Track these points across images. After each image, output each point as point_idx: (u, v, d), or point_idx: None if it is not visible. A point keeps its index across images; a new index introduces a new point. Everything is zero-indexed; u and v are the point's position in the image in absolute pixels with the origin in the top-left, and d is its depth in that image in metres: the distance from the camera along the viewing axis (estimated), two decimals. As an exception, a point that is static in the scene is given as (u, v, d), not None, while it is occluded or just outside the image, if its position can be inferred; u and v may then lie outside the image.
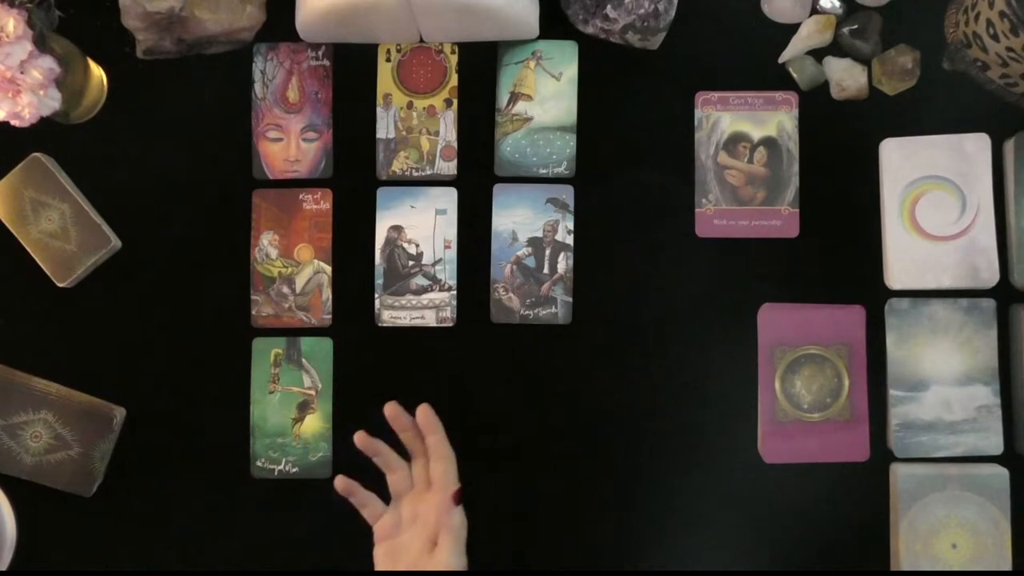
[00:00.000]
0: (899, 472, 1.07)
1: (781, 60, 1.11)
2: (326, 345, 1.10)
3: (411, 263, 1.11)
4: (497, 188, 1.11)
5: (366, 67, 1.12)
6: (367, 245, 1.11)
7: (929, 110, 1.10)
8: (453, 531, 0.98)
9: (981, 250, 1.08)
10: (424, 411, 1.02)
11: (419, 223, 1.11)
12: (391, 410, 1.02)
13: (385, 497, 1.03)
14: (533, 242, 1.11)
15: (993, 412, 1.07)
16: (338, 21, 1.06)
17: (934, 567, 1.05)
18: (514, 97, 1.11)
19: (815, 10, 1.11)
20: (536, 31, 1.10)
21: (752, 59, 1.11)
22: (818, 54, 1.11)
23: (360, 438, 1.02)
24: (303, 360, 1.10)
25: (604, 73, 1.11)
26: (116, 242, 1.10)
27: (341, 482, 1.03)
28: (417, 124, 1.11)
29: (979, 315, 1.08)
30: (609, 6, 1.07)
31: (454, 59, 1.12)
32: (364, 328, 1.10)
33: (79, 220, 1.08)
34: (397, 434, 1.03)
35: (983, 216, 1.08)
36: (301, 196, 1.11)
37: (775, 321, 1.09)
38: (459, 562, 0.98)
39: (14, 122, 1.01)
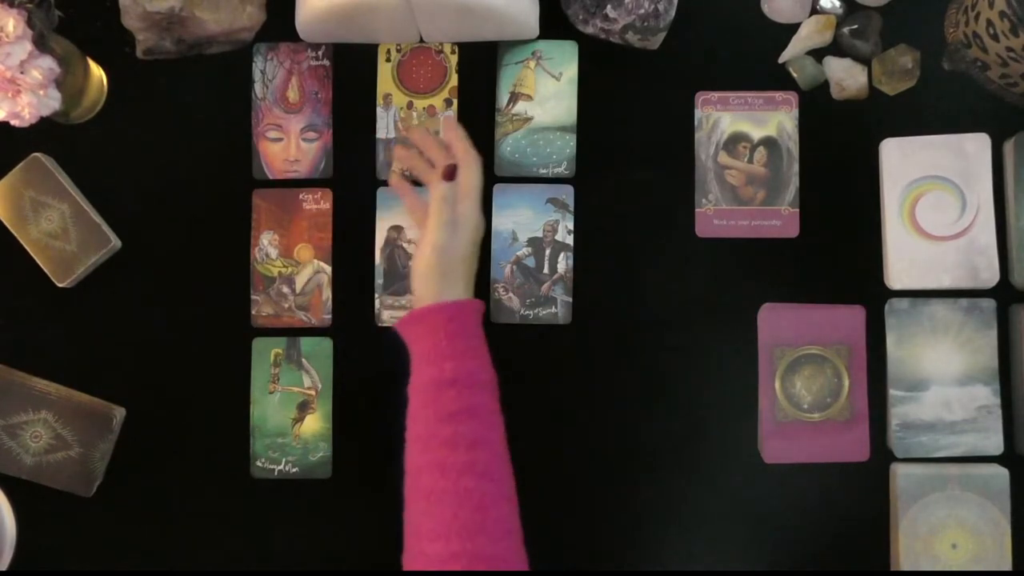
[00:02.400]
0: (899, 472, 1.07)
1: (781, 60, 1.11)
2: (326, 345, 1.10)
3: (411, 263, 1.10)
4: (497, 188, 1.11)
5: (366, 67, 1.12)
6: (367, 245, 1.11)
7: (929, 110, 1.10)
8: (435, 203, 1.02)
9: (981, 250, 1.08)
10: (447, 123, 1.07)
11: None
12: (415, 134, 1.08)
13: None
14: (533, 242, 1.10)
15: (993, 412, 1.07)
16: (338, 21, 1.06)
17: (934, 567, 1.05)
18: (514, 97, 1.11)
19: (815, 10, 1.11)
20: (536, 31, 1.10)
21: (752, 59, 1.11)
22: (818, 54, 1.11)
23: (398, 150, 1.08)
24: (303, 360, 1.10)
25: (604, 73, 1.11)
26: (116, 242, 1.10)
27: (395, 179, 1.08)
28: (417, 124, 1.11)
29: (979, 315, 1.08)
30: (609, 6, 1.07)
31: (454, 59, 1.12)
32: (364, 328, 1.10)
33: (79, 220, 1.08)
34: (425, 153, 1.08)
35: (983, 216, 1.08)
36: (301, 196, 1.11)
37: (775, 321, 1.09)
38: (439, 223, 1.01)
39: (14, 122, 1.01)
